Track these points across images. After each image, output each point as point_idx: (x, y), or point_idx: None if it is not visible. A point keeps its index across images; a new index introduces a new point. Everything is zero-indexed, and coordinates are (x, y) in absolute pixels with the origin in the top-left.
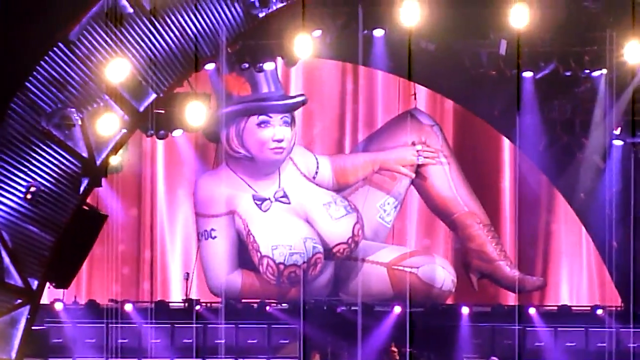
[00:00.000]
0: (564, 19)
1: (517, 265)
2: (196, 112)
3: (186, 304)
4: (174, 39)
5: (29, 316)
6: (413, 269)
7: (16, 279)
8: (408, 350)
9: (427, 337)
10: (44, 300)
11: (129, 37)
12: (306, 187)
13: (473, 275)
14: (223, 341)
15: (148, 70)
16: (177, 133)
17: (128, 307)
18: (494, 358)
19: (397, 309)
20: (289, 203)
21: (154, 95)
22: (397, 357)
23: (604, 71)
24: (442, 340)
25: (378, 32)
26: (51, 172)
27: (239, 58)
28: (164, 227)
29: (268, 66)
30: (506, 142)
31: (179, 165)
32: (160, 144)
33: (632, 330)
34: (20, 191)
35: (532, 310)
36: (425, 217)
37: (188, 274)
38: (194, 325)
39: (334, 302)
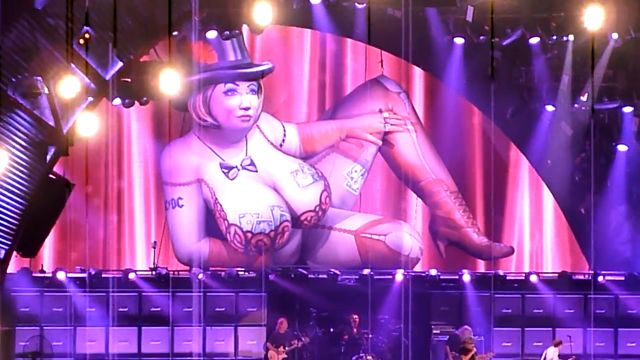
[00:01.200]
0: None
1: (485, 232)
2: (165, 81)
3: (153, 272)
4: (140, 6)
5: None
6: (380, 237)
7: None
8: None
9: (393, 304)
10: (11, 269)
11: (94, 5)
12: (273, 155)
13: (441, 243)
14: (191, 309)
15: (114, 38)
16: (143, 101)
17: (97, 275)
18: (467, 327)
19: (366, 271)
20: (256, 171)
21: (120, 64)
22: (357, 323)
23: (571, 37)
24: (410, 307)
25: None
26: (18, 140)
27: (206, 26)
28: (132, 195)
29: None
30: (473, 109)
31: (145, 133)
32: (126, 112)
33: (592, 296)
34: None
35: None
36: (392, 185)
37: (156, 242)
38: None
39: (301, 270)
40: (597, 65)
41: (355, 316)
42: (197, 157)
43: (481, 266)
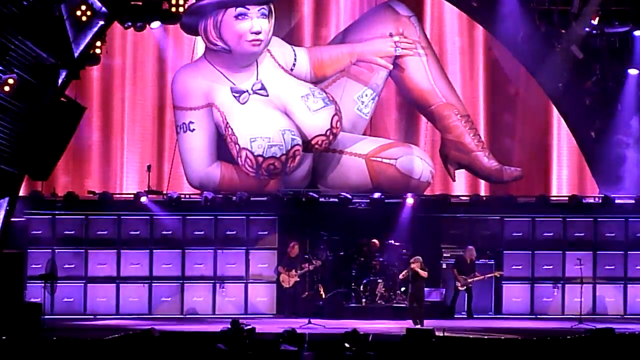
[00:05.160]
0: None
1: (495, 156)
2: (176, 4)
3: (165, 196)
4: None
5: (7, 208)
6: (391, 161)
7: None
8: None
9: (404, 228)
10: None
11: None
12: (284, 79)
13: (451, 166)
14: (202, 232)
15: None
16: (154, 25)
17: (107, 199)
18: (471, 247)
19: (376, 195)
20: (267, 95)
21: None
22: (378, 247)
23: None
24: (421, 231)
25: None
26: (29, 64)
27: None
28: (145, 119)
29: None
30: (484, 33)
31: (156, 57)
32: (137, 35)
33: (602, 219)
34: None
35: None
36: (403, 109)
37: (150, 165)
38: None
39: (312, 194)
40: None
41: (375, 240)
42: (208, 82)
43: (492, 190)
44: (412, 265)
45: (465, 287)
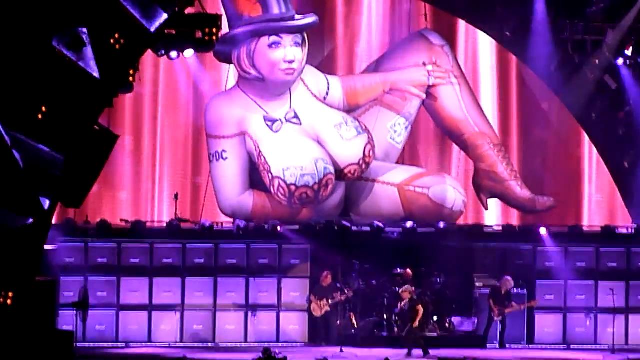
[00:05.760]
0: None
1: (528, 185)
2: (210, 33)
3: (197, 224)
4: None
5: (41, 235)
6: (424, 190)
7: (28, 198)
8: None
9: (437, 257)
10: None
11: None
12: (317, 108)
13: (484, 196)
14: (234, 261)
15: None
16: (188, 54)
17: (140, 227)
18: (508, 277)
19: (409, 224)
20: (300, 124)
21: (165, 16)
22: (410, 276)
23: None
24: (453, 260)
25: None
26: (63, 92)
27: None
28: (176, 147)
29: None
30: (517, 62)
31: (189, 86)
32: (170, 64)
33: (635, 249)
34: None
35: (542, 231)
36: (435, 138)
37: (177, 194)
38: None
39: (344, 223)
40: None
41: (409, 270)
42: (241, 110)
43: (524, 219)
44: (403, 295)
45: (500, 318)
